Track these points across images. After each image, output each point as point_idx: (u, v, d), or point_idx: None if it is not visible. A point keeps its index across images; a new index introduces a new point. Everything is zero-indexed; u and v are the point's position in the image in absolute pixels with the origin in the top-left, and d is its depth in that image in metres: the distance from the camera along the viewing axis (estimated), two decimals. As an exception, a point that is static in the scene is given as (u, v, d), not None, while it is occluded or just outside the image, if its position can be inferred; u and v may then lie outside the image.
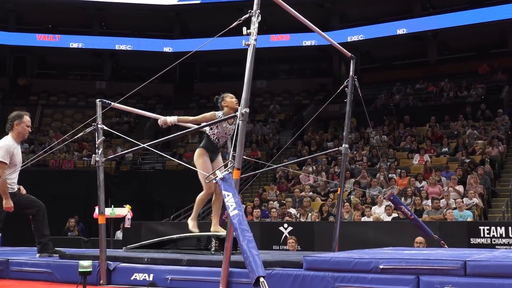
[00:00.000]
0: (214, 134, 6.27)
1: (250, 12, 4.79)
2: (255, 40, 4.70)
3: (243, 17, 4.81)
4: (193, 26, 30.43)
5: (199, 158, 6.26)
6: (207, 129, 6.23)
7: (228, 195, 4.26)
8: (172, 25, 30.26)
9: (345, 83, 7.04)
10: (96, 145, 5.64)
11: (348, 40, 26.44)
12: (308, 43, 26.76)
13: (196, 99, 29.33)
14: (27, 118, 6.41)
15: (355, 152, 18.96)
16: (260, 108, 27.09)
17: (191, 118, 6.28)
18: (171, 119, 6.04)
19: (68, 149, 22.77)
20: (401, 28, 26.11)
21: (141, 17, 29.16)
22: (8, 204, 6.20)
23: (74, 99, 28.84)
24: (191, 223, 6.43)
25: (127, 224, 12.25)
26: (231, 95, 6.27)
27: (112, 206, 11.25)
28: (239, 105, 5.65)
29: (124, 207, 11.86)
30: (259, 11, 4.74)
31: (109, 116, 25.04)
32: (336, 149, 8.21)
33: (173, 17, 29.82)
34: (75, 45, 28.48)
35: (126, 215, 11.88)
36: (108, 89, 29.10)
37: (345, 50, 6.92)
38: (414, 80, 25.35)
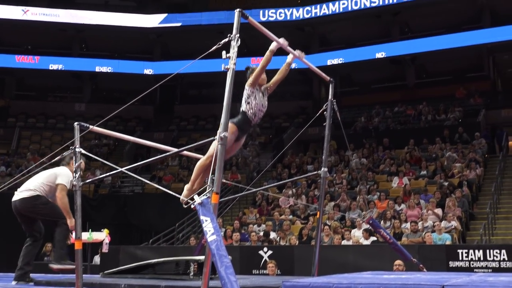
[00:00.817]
0: (251, 108, 5.66)
1: (229, 36, 4.81)
2: (235, 64, 4.71)
3: (223, 41, 4.82)
4: (174, 48, 30.52)
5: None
6: (243, 104, 5.67)
7: (206, 220, 4.22)
8: (153, 47, 30.30)
9: (324, 107, 7.07)
10: (74, 169, 5.57)
11: (328, 64, 26.74)
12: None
13: (176, 121, 29.28)
14: (83, 163, 6.67)
15: (334, 175, 19.02)
16: (240, 131, 27.06)
17: (263, 70, 5.78)
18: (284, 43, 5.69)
19: (46, 171, 22.47)
20: (380, 52, 26.47)
21: (121, 39, 29.16)
22: (72, 223, 6.35)
23: (53, 121, 28.59)
24: (186, 192, 5.54)
25: (105, 248, 12.09)
26: (264, 75, 5.93)
27: (90, 230, 11.11)
28: (266, 82, 5.74)
29: (102, 231, 11.72)
30: (238, 35, 4.77)
31: (88, 139, 24.84)
32: (315, 172, 8.22)
33: (154, 39, 29.87)
34: (54, 67, 28.36)
35: (104, 240, 11.73)
36: (87, 111, 28.92)
37: (323, 74, 6.98)
38: (393, 103, 25.62)
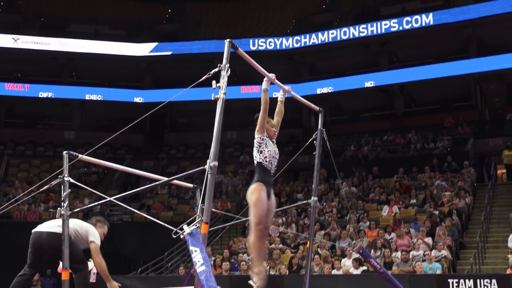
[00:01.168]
0: (266, 157, 5.65)
1: (219, 66, 4.83)
2: (224, 93, 4.72)
3: (213, 71, 4.84)
4: (164, 76, 30.64)
5: (255, 194, 5.46)
6: (256, 156, 5.65)
7: (195, 251, 4.18)
8: (143, 75, 30.38)
9: (313, 136, 7.10)
10: (62, 198, 5.52)
11: (317, 92, 26.94)
12: (277, 95, 26.88)
13: (166, 149, 29.23)
14: (106, 229, 7.00)
15: (324, 203, 18.99)
16: (230, 159, 27.08)
17: (265, 114, 5.74)
18: (272, 76, 5.71)
19: (35, 200, 22.27)
20: (369, 81, 26.70)
21: (112, 67, 29.23)
22: (112, 285, 6.38)
23: (42, 149, 28.42)
24: (257, 278, 5.38)
25: (93, 279, 11.90)
26: (272, 122, 5.99)
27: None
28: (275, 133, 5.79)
29: (89, 260, 11.55)
30: (228, 65, 4.79)
31: (77, 166, 24.70)
32: (305, 201, 8.20)
33: (144, 68, 29.97)
34: (44, 95, 28.32)
35: (91, 269, 11.55)
36: (76, 139, 28.83)
37: (313, 105, 7.02)
38: (382, 132, 25.76)
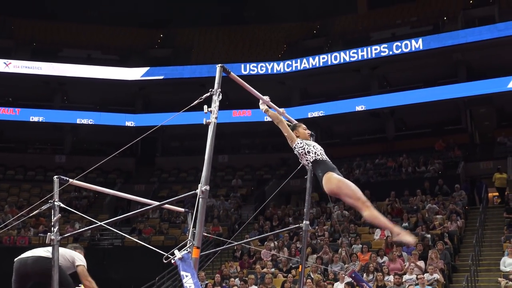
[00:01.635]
0: (315, 152, 5.52)
1: (211, 90, 4.85)
2: (216, 118, 4.73)
3: (204, 95, 4.86)
4: (155, 100, 30.71)
5: (332, 180, 5.34)
6: (308, 159, 5.56)
7: (186, 276, 4.15)
8: (134, 99, 30.43)
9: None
10: (52, 223, 5.48)
11: (309, 116, 27.05)
12: (269, 118, 27.08)
13: (157, 173, 29.14)
14: (83, 254, 7.02)
15: (316, 227, 18.94)
16: (221, 183, 27.04)
17: (285, 124, 5.73)
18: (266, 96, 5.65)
19: (24, 225, 22.07)
20: (359, 105, 26.88)
21: (103, 91, 29.28)
22: None
23: (32, 173, 28.25)
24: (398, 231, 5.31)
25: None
26: (304, 126, 5.89)
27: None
28: (310, 137, 5.74)
29: (79, 286, 11.42)
30: (219, 90, 4.81)
31: (68, 191, 24.56)
32: (297, 225, 8.18)
33: (136, 92, 30.04)
34: (35, 119, 28.25)
35: (81, 294, 11.41)
36: (67, 163, 28.69)
37: (304, 128, 7.03)
38: (374, 156, 25.83)
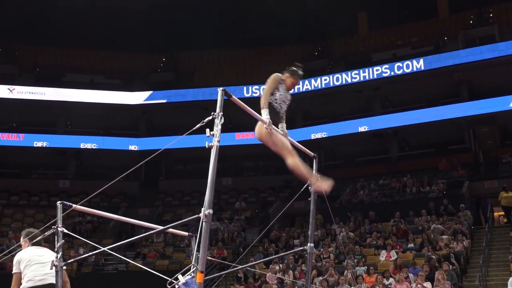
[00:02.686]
0: (276, 99, 5.83)
1: (213, 114, 4.86)
2: (218, 141, 4.73)
3: (206, 119, 4.86)
4: (158, 124, 30.78)
5: (258, 128, 5.70)
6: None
7: (191, 301, 4.12)
8: (138, 123, 30.52)
9: (308, 182, 7.07)
10: (56, 249, 5.46)
11: (312, 138, 27.08)
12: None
13: (161, 197, 29.09)
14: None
15: (321, 249, 18.82)
16: (226, 206, 26.96)
17: (265, 95, 5.74)
18: (266, 118, 5.61)
19: (28, 250, 21.94)
20: (362, 126, 26.89)
21: (107, 116, 29.38)
22: None
23: (36, 198, 28.22)
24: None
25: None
26: (296, 76, 5.92)
27: (71, 311, 10.73)
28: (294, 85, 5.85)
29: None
30: (222, 113, 4.82)
31: (72, 216, 24.50)
32: (301, 248, 8.13)
33: (139, 116, 30.14)
34: (39, 144, 28.33)
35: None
36: (71, 188, 28.67)
37: (307, 151, 7.03)
38: (378, 176, 25.75)
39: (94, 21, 32.19)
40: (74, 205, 5.82)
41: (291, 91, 6.11)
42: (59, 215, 5.61)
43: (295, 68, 6.00)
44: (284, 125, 6.08)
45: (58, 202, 5.74)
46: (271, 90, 5.86)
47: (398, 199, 22.87)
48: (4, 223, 25.84)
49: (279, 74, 5.88)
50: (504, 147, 25.98)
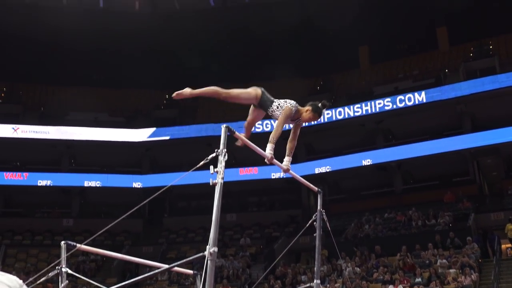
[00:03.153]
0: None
1: (217, 151, 4.87)
2: (222, 178, 4.73)
3: (210, 156, 4.87)
4: (162, 161, 30.81)
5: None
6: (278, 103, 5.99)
7: None
8: (141, 160, 30.54)
9: (313, 217, 7.05)
10: (60, 289, 5.41)
11: (316, 172, 27.02)
12: (276, 175, 27.14)
13: (165, 234, 28.91)
14: None
15: (328, 285, 18.59)
16: (230, 242, 26.75)
17: (277, 130, 5.82)
18: (269, 153, 5.70)
19: (31, 290, 21.74)
20: (366, 159, 26.85)
21: (110, 153, 29.45)
22: None
23: (40, 237, 28.07)
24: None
25: None
26: (317, 114, 6.00)
27: None
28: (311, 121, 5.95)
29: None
30: (225, 150, 4.83)
31: (76, 255, 24.32)
32: (308, 285, 8.05)
33: (142, 153, 30.19)
34: (43, 183, 28.32)
35: None
36: (75, 226, 28.55)
37: (312, 186, 7.02)
38: (382, 210, 25.60)
39: (98, 59, 32.55)
40: (78, 245, 5.80)
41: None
42: (63, 255, 5.58)
43: (319, 105, 5.96)
44: (287, 158, 6.06)
45: (62, 242, 5.72)
46: (283, 123, 5.85)
47: (404, 233, 22.68)
48: (8, 263, 25.66)
49: (291, 107, 5.84)
50: (509, 179, 25.87)
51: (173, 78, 34.02)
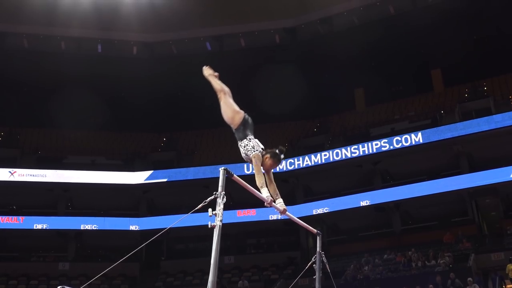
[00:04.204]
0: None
1: (215, 193, 4.88)
2: (221, 221, 4.73)
3: (208, 199, 4.88)
4: (159, 203, 30.67)
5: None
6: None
7: None
8: (138, 203, 30.39)
9: (313, 259, 7.01)
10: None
11: (314, 213, 26.94)
12: (274, 217, 27.01)
13: (163, 277, 28.54)
14: None
15: (328, 328, 18.30)
16: (228, 285, 26.41)
17: (258, 175, 5.93)
18: (267, 197, 5.75)
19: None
20: (364, 200, 26.80)
21: (107, 196, 29.31)
22: None
23: (35, 282, 27.62)
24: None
25: None
26: (276, 159, 6.13)
27: None
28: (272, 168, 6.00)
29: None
30: (223, 192, 4.84)
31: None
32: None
33: (139, 196, 30.06)
34: (39, 226, 28.10)
35: None
36: (71, 270, 28.17)
37: (310, 228, 7.01)
38: (381, 251, 25.41)
39: (95, 103, 32.74)
40: (74, 290, 5.74)
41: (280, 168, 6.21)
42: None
43: (277, 151, 6.11)
44: (279, 200, 6.12)
45: (59, 287, 5.66)
46: (260, 169, 5.95)
47: (404, 274, 22.45)
48: (2, 309, 25.25)
49: (258, 153, 5.97)
50: (508, 218, 25.77)
51: (171, 121, 34.28)
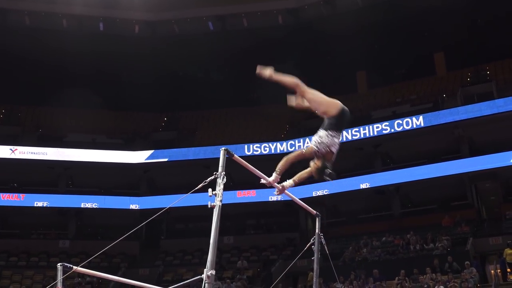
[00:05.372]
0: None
1: (215, 173, 4.88)
2: (221, 201, 4.74)
3: (209, 179, 4.89)
4: (160, 183, 30.75)
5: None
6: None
7: None
8: (139, 182, 30.49)
9: (311, 240, 7.04)
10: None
11: (314, 195, 26.96)
12: (274, 198, 27.09)
13: (162, 256, 28.73)
14: None
15: (325, 309, 18.46)
16: (227, 265, 26.59)
17: (283, 162, 5.80)
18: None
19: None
20: (364, 183, 26.85)
21: (108, 175, 29.38)
22: None
23: (36, 259, 27.84)
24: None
25: None
26: (318, 175, 6.01)
27: None
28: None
29: None
30: (224, 172, 4.85)
31: (71, 277, 24.11)
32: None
33: (140, 175, 30.13)
34: (40, 204, 28.20)
35: None
36: (71, 248, 28.38)
37: (310, 208, 7.03)
38: (380, 233, 25.53)
39: (97, 82, 32.66)
40: (74, 267, 5.77)
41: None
42: (59, 277, 5.55)
43: (327, 171, 6.14)
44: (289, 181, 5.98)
45: (59, 264, 5.70)
46: (299, 156, 5.79)
47: (402, 257, 22.58)
48: (2, 285, 25.44)
49: (315, 148, 6.00)
50: (507, 203, 25.84)
51: (172, 101, 34.20)
